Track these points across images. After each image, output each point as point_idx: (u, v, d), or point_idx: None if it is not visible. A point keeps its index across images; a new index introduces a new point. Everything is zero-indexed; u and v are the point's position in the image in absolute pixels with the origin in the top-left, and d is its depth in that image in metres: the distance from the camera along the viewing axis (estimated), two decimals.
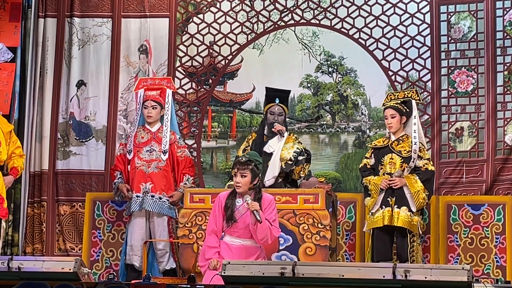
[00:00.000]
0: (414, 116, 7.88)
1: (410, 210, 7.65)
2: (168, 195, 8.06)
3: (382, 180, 7.74)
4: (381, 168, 7.86)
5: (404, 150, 7.83)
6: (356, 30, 9.24)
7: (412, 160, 7.74)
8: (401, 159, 7.81)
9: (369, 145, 8.25)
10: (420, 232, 7.74)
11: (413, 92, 8.01)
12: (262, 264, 5.37)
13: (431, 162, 7.91)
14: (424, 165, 7.79)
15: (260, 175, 6.71)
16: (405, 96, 7.98)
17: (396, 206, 7.67)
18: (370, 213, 7.79)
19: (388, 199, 7.70)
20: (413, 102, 7.91)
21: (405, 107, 7.90)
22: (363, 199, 8.11)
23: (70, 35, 9.41)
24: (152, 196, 8.01)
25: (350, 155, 9.28)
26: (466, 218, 8.30)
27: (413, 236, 7.67)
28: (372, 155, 7.99)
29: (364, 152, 8.65)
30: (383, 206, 7.71)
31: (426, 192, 7.72)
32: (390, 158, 7.85)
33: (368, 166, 7.96)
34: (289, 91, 8.39)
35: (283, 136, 7.85)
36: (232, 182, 6.95)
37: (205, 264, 6.56)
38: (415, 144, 7.76)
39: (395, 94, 8.10)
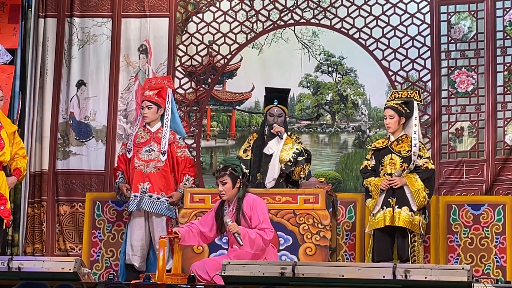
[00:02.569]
0: (415, 118, 7.88)
1: (411, 210, 7.65)
2: (168, 195, 8.05)
3: (382, 180, 7.74)
4: (382, 169, 7.85)
5: (404, 150, 7.83)
6: (356, 30, 9.23)
7: (412, 162, 7.73)
8: (401, 159, 7.80)
9: (369, 147, 8.24)
10: (422, 232, 7.73)
11: (415, 93, 8.00)
12: (262, 264, 5.38)
13: (431, 160, 7.90)
14: (424, 164, 7.78)
15: (240, 177, 6.75)
16: (408, 95, 7.96)
17: (397, 206, 7.66)
18: (372, 214, 7.78)
19: (389, 199, 7.70)
20: (415, 103, 7.91)
21: (405, 108, 7.89)
22: (363, 199, 8.10)
23: (70, 35, 9.41)
24: (150, 196, 8.00)
25: (350, 155, 9.28)
26: (466, 218, 8.29)
27: (414, 236, 7.66)
28: (373, 156, 7.99)
29: (364, 152, 8.66)
30: (384, 207, 7.70)
31: (426, 190, 7.71)
32: (390, 159, 7.84)
33: (369, 168, 7.95)
34: (288, 90, 8.37)
35: (282, 138, 7.84)
36: None
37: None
38: (414, 146, 7.75)
39: (399, 93, 8.09)
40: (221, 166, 6.76)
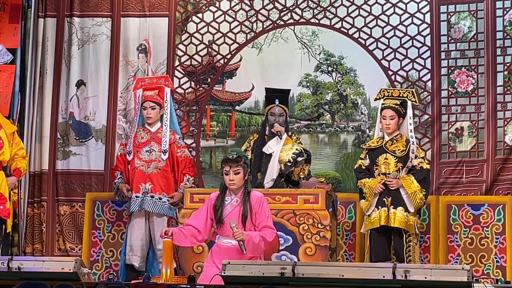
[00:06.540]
0: (410, 117, 7.88)
1: (406, 210, 7.65)
2: (169, 195, 8.05)
3: (377, 185, 7.72)
4: (376, 169, 7.86)
5: (398, 150, 7.83)
6: (356, 29, 9.23)
7: (410, 160, 7.73)
8: (395, 159, 7.80)
9: (363, 146, 8.24)
10: (418, 232, 7.73)
11: (409, 93, 7.99)
12: (262, 264, 5.37)
13: (426, 160, 7.90)
14: (419, 164, 7.78)
15: (249, 170, 6.73)
16: (400, 95, 7.96)
17: (392, 206, 7.66)
18: (367, 215, 7.78)
19: (383, 199, 7.69)
20: (409, 103, 7.91)
21: (402, 108, 7.90)
22: None
23: (70, 34, 9.41)
24: (152, 197, 8.00)
25: (349, 155, 9.28)
26: (466, 218, 8.29)
27: (409, 236, 7.66)
28: (367, 156, 7.99)
29: None
30: (379, 207, 7.70)
31: (423, 192, 7.71)
32: (385, 158, 7.84)
33: (363, 167, 7.95)
34: (288, 91, 8.39)
35: (281, 138, 7.84)
36: None
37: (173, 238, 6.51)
38: (412, 143, 7.77)
39: (388, 91, 8.06)
40: (235, 155, 6.60)
